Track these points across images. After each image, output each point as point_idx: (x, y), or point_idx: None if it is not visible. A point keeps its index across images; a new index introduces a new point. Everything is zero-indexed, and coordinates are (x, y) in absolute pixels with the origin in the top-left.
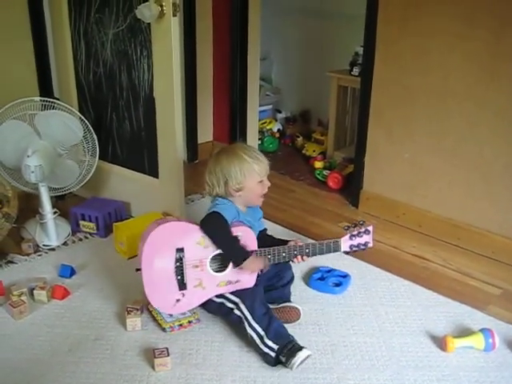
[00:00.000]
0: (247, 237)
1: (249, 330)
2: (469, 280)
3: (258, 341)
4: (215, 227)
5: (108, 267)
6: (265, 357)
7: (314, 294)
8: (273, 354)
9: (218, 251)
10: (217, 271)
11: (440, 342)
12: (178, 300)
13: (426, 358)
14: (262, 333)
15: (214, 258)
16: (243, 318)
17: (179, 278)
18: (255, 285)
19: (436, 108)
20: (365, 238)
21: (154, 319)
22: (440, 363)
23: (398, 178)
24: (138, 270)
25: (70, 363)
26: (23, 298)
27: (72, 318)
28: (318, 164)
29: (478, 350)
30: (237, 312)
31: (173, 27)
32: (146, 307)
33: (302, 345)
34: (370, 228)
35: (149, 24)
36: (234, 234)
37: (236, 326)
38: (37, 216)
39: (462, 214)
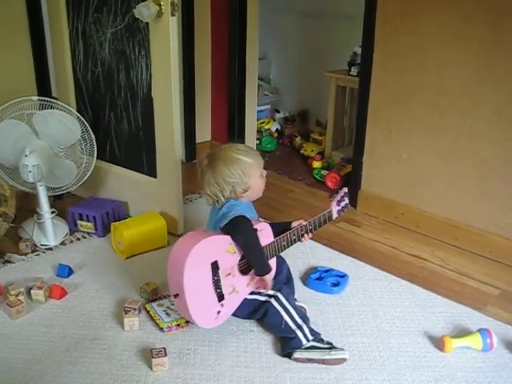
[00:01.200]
0: (266, 232)
1: (287, 319)
2: (467, 280)
3: (294, 327)
4: (246, 234)
5: (106, 267)
6: (293, 341)
7: (311, 293)
8: (305, 341)
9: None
10: (243, 271)
11: (438, 343)
12: (218, 312)
13: (424, 358)
14: (300, 321)
15: (240, 260)
16: (281, 307)
17: (218, 291)
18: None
19: (434, 107)
20: (346, 200)
21: (152, 319)
22: (438, 363)
23: (396, 177)
24: (176, 295)
25: (68, 363)
26: (21, 297)
27: (69, 318)
28: (317, 164)
29: (475, 350)
30: (274, 303)
31: (171, 26)
32: (143, 307)
33: None
34: (346, 190)
35: (147, 23)
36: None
37: (272, 318)
38: (34, 216)
39: (460, 214)
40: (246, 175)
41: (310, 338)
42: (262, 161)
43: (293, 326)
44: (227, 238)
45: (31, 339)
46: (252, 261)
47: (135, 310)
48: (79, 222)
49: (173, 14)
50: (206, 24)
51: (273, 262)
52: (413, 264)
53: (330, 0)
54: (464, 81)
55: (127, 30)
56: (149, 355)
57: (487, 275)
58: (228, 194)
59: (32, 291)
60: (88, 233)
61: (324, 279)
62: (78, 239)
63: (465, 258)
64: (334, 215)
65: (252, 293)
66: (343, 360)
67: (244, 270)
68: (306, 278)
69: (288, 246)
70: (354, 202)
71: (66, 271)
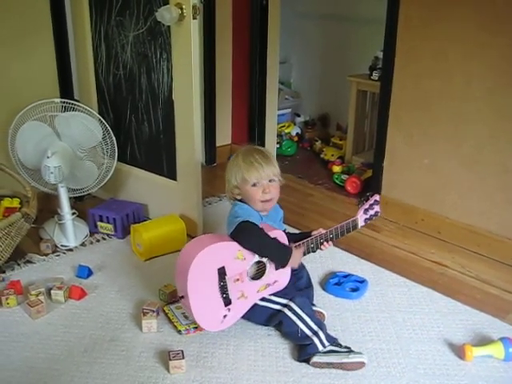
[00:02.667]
0: (281, 239)
1: (302, 326)
2: (488, 288)
3: (310, 334)
4: (250, 236)
5: (125, 269)
6: (309, 346)
7: (330, 298)
8: (321, 347)
9: (256, 259)
10: (255, 278)
11: (458, 351)
12: (225, 316)
13: (444, 366)
14: (316, 328)
15: (251, 266)
16: (295, 316)
17: (224, 296)
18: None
19: (456, 114)
20: (375, 209)
21: (170, 321)
22: (458, 372)
23: (417, 183)
24: (182, 297)
25: (86, 363)
26: (41, 297)
27: (88, 319)
28: (337, 168)
29: (497, 359)
30: (288, 312)
31: (192, 30)
32: (161, 309)
33: None
34: (378, 198)
35: (169, 27)
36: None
37: (286, 329)
38: (55, 217)
39: (481, 220)
40: (235, 179)
41: (327, 343)
42: (258, 175)
43: (309, 333)
44: (235, 245)
45: (50, 339)
46: (270, 258)
47: (153, 312)
48: (99, 223)
49: (194, 18)
50: (227, 28)
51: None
52: (433, 270)
53: (352, 4)
54: (488, 89)
55: (149, 33)
56: (166, 357)
57: (509, 283)
58: (228, 189)
59: (52, 291)
60: (108, 234)
61: (343, 284)
62: (98, 241)
63: (486, 265)
64: (360, 224)
65: (263, 299)
66: (362, 364)
67: (256, 277)
68: (324, 283)
69: (305, 254)
70: None
71: (85, 272)
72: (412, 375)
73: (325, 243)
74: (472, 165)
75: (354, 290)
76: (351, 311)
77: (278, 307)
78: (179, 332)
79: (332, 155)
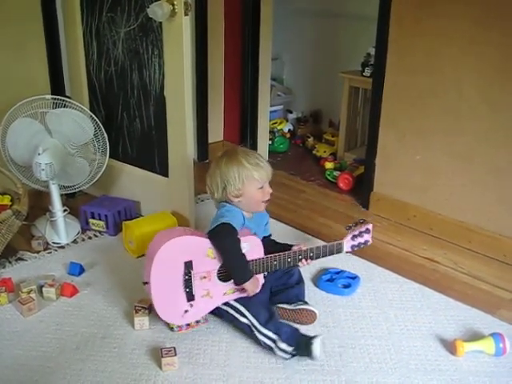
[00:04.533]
0: (255, 246)
1: (260, 337)
2: (480, 283)
3: (272, 345)
4: (226, 242)
5: (117, 266)
6: (281, 357)
7: (322, 295)
8: (287, 357)
9: None
10: (223, 280)
11: (450, 346)
12: (186, 311)
13: (436, 361)
14: (275, 337)
15: (221, 267)
16: (251, 325)
17: (187, 290)
18: (260, 290)
19: (448, 110)
20: (365, 237)
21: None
22: (449, 367)
23: (409, 179)
24: (146, 283)
25: (78, 361)
26: (32, 295)
27: (80, 316)
28: (329, 165)
29: (488, 354)
30: (243, 320)
31: (184, 26)
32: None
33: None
34: (370, 227)
35: (160, 23)
36: (243, 243)
37: (247, 334)
38: (47, 214)
39: (473, 216)
40: (239, 180)
41: (289, 349)
42: (266, 175)
43: (269, 343)
44: (207, 242)
45: (42, 337)
46: (229, 269)
47: (146, 308)
48: (91, 220)
49: (186, 14)
50: (220, 24)
51: (260, 276)
52: (425, 266)
53: (344, 0)
54: (481, 86)
55: (140, 30)
56: (158, 354)
57: (500, 279)
58: (220, 192)
59: (43, 289)
60: (100, 231)
61: (335, 281)
62: (90, 238)
63: (478, 261)
64: (345, 249)
65: (226, 303)
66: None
67: (224, 278)
68: (316, 280)
69: (280, 267)
70: (366, 204)
71: (77, 269)
72: (404, 371)
73: (303, 260)
74: (464, 161)
75: (346, 286)
76: (343, 307)
77: (233, 312)
78: (171, 329)
79: (324, 152)
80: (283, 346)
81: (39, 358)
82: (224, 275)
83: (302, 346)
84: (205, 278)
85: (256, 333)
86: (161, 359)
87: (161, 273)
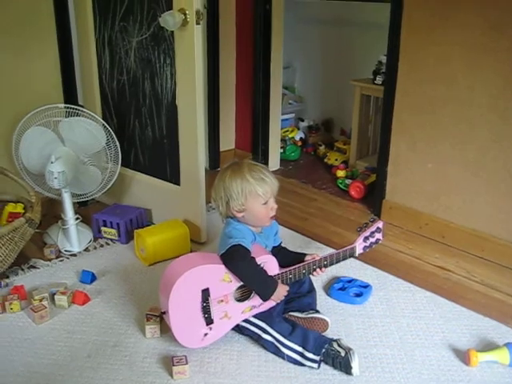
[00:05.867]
0: (270, 264)
1: (286, 351)
2: (493, 292)
3: (299, 358)
4: (239, 263)
5: (128, 274)
6: (308, 367)
7: (334, 304)
8: (316, 366)
9: (242, 282)
10: (240, 299)
11: (463, 356)
12: (205, 334)
13: (449, 371)
14: (300, 349)
15: (237, 289)
16: (275, 341)
17: (206, 316)
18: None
19: (460, 119)
20: (376, 236)
21: None
22: (463, 378)
23: (421, 187)
24: (163, 313)
25: (89, 369)
26: (44, 302)
27: (92, 324)
28: (341, 173)
29: (502, 364)
30: (267, 337)
31: (196, 35)
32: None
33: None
34: (381, 225)
35: (172, 32)
36: (258, 262)
37: (272, 352)
38: (59, 222)
39: (486, 225)
40: (242, 195)
41: (317, 358)
42: (271, 190)
43: (296, 357)
44: (223, 268)
45: (54, 344)
46: (253, 289)
47: (157, 317)
48: (103, 228)
49: (198, 23)
50: (231, 33)
51: (275, 271)
52: (437, 275)
53: (356, 8)
54: (492, 94)
55: (152, 39)
56: (170, 363)
57: None
58: (224, 206)
59: (55, 297)
60: (111, 239)
61: (347, 289)
62: (102, 246)
63: (491, 270)
64: (358, 252)
65: (245, 320)
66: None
67: (242, 299)
68: (328, 288)
69: (296, 279)
70: (377, 212)
71: (89, 277)
72: (416, 381)
73: (317, 270)
74: (476, 169)
75: (358, 295)
76: (355, 316)
77: (256, 330)
78: None
79: (336, 160)
80: (310, 355)
81: (50, 365)
82: (240, 296)
83: (340, 363)
84: (222, 301)
85: (281, 347)
86: (172, 368)
87: (179, 303)
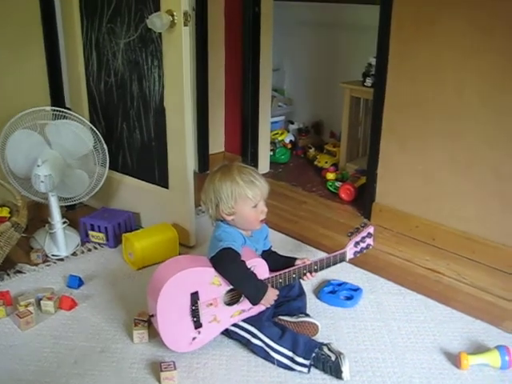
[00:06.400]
0: (260, 268)
1: (276, 356)
2: (484, 295)
3: (289, 363)
4: (229, 266)
5: (116, 278)
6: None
7: (324, 307)
8: (306, 370)
9: (232, 287)
10: (229, 303)
11: (454, 359)
12: (194, 338)
13: (440, 375)
14: (291, 353)
15: (227, 292)
16: (265, 345)
17: (195, 319)
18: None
19: (449, 120)
20: (367, 242)
21: None
22: (454, 381)
23: (412, 190)
24: (152, 316)
25: (76, 375)
26: (30, 308)
27: (78, 330)
28: (331, 175)
29: (493, 367)
30: (256, 342)
31: (184, 37)
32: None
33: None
34: (372, 230)
35: (160, 34)
36: (248, 266)
37: (262, 357)
38: (46, 226)
39: (476, 227)
40: (232, 198)
41: (307, 362)
42: (261, 193)
43: (286, 362)
44: (212, 271)
45: (40, 351)
46: (242, 293)
47: (145, 322)
48: (91, 232)
49: (185, 25)
50: (220, 35)
51: (266, 274)
52: (428, 277)
53: (345, 11)
54: (483, 93)
55: (140, 41)
56: (158, 369)
57: (505, 290)
58: (214, 209)
59: (42, 302)
60: (99, 243)
61: (337, 293)
62: (90, 250)
63: (482, 272)
64: (348, 257)
65: (234, 324)
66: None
67: (231, 303)
68: (318, 292)
69: (286, 283)
70: (368, 215)
71: (76, 282)
72: None
73: (308, 274)
74: (466, 171)
75: (349, 298)
76: (345, 320)
77: (245, 334)
78: None
79: (326, 162)
80: (300, 360)
81: (36, 372)
82: (230, 300)
83: (330, 368)
84: (211, 304)
85: (271, 352)
86: (160, 373)
87: (167, 306)
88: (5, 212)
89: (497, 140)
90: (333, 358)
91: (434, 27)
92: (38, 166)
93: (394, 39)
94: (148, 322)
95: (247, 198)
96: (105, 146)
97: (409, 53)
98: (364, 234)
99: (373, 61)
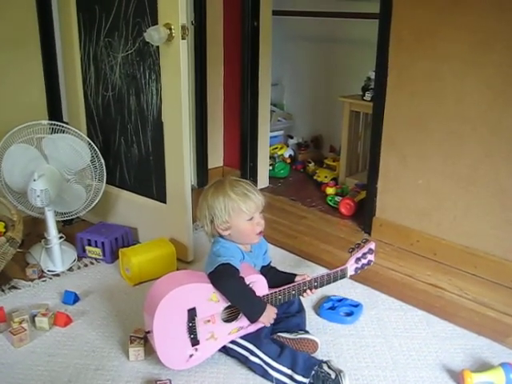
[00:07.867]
0: (259, 284)
1: (275, 374)
2: (487, 310)
3: (288, 381)
4: (227, 283)
5: (113, 294)
6: None
7: (324, 323)
8: None
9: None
10: (227, 320)
11: (457, 377)
12: (191, 355)
13: None
14: (289, 372)
15: (225, 309)
16: (264, 363)
17: (192, 336)
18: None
19: (450, 134)
20: (368, 258)
21: None
22: None
23: (412, 204)
24: (148, 332)
25: None
26: (24, 324)
27: (73, 347)
28: (330, 190)
29: None
30: (255, 359)
31: (181, 50)
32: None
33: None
34: (373, 246)
35: (158, 47)
36: (246, 282)
37: (260, 375)
38: (42, 241)
39: (478, 241)
40: (226, 212)
41: (306, 381)
42: (256, 206)
43: (286, 380)
44: (209, 287)
45: (33, 369)
46: (241, 310)
47: (141, 339)
48: (87, 247)
49: (183, 38)
50: (219, 49)
51: (264, 291)
52: (429, 293)
53: (344, 25)
54: (482, 108)
55: (138, 54)
56: None
57: (508, 305)
58: (209, 225)
59: (36, 318)
60: (96, 259)
61: (337, 309)
62: (86, 265)
63: (484, 287)
64: (349, 273)
65: (232, 341)
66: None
67: (229, 320)
68: (318, 308)
69: (285, 300)
70: (368, 229)
71: (71, 298)
72: None
73: (308, 291)
74: (467, 185)
75: (349, 314)
76: (346, 337)
77: (243, 352)
78: None
79: (325, 177)
80: (299, 378)
81: None
82: (228, 317)
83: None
84: (209, 321)
85: (269, 370)
86: None
87: (164, 322)
88: (0, 227)
89: (498, 154)
90: (333, 376)
91: (433, 41)
92: (35, 180)
93: (393, 53)
94: (144, 339)
95: (241, 211)
96: (102, 160)
97: (408, 67)
98: (365, 250)
99: (372, 75)
